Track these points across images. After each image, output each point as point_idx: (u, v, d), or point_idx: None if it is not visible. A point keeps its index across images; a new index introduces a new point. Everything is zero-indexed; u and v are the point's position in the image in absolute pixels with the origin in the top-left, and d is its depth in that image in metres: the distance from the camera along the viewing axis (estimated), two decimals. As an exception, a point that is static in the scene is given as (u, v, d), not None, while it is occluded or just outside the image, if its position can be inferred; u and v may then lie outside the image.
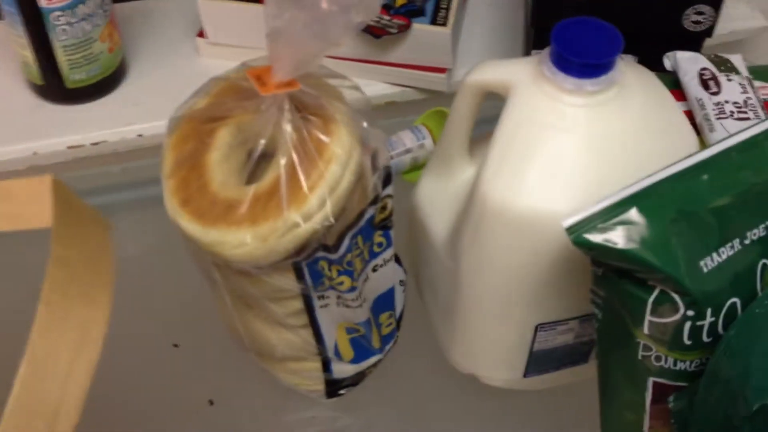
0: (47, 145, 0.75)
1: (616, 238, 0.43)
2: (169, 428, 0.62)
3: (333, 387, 0.61)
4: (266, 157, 0.49)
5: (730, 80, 0.61)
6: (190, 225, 0.47)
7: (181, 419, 0.62)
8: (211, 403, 0.63)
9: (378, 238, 0.54)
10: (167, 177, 0.49)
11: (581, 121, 0.49)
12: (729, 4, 0.87)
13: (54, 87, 0.75)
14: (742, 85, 0.61)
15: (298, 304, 0.53)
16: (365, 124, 0.49)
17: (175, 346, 0.66)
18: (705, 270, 0.44)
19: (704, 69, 0.62)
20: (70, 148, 0.75)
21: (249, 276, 0.50)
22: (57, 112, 0.76)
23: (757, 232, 0.46)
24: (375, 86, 0.80)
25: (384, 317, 0.60)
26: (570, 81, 0.48)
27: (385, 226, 0.54)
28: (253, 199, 0.47)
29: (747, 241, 0.45)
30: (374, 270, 0.56)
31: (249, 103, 0.48)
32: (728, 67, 0.62)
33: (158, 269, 0.70)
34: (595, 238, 0.43)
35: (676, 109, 0.54)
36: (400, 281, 0.63)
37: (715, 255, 0.44)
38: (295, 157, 0.47)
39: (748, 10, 0.88)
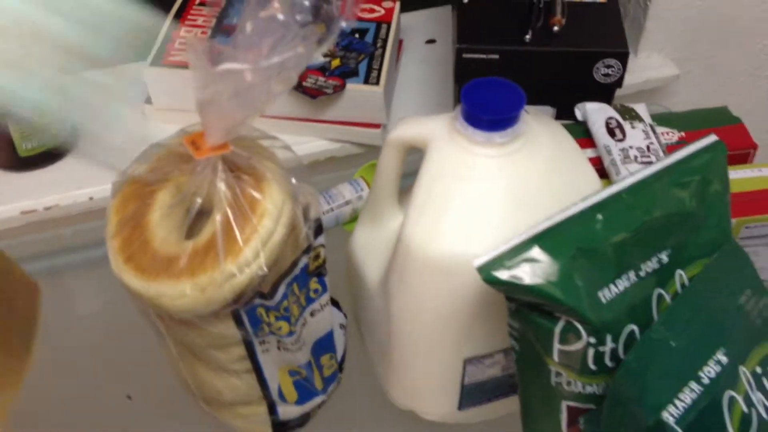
0: (1, 211, 0.78)
1: (522, 274, 0.48)
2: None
3: (280, 429, 0.64)
4: (204, 214, 0.53)
5: (634, 128, 0.67)
6: (133, 280, 0.51)
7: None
8: (164, 450, 0.65)
9: (314, 284, 0.58)
10: (112, 237, 0.52)
11: (492, 171, 0.54)
12: (642, 55, 0.94)
13: (6, 156, 0.79)
14: (645, 132, 0.67)
15: (240, 350, 0.57)
16: (295, 181, 0.53)
17: (129, 398, 0.69)
18: (604, 301, 0.48)
19: (611, 118, 0.68)
20: (23, 213, 0.78)
21: (192, 326, 0.54)
22: (10, 179, 0.80)
23: (651, 265, 0.50)
24: (316, 143, 0.85)
25: (325, 359, 0.64)
26: (480, 134, 0.53)
27: (319, 273, 0.58)
28: (192, 254, 0.51)
29: (642, 273, 0.50)
30: (312, 315, 0.60)
31: (186, 166, 0.52)
32: (633, 116, 0.68)
33: (111, 325, 0.73)
34: (503, 275, 0.48)
35: (581, 155, 0.59)
36: (341, 324, 0.67)
37: (612, 287, 0.49)
38: (229, 213, 0.51)
39: (661, 60, 0.95)
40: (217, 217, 0.51)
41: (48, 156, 0.81)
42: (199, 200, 0.51)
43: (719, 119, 0.71)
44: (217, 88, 0.45)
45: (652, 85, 0.94)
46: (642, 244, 0.50)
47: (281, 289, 0.54)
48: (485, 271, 0.48)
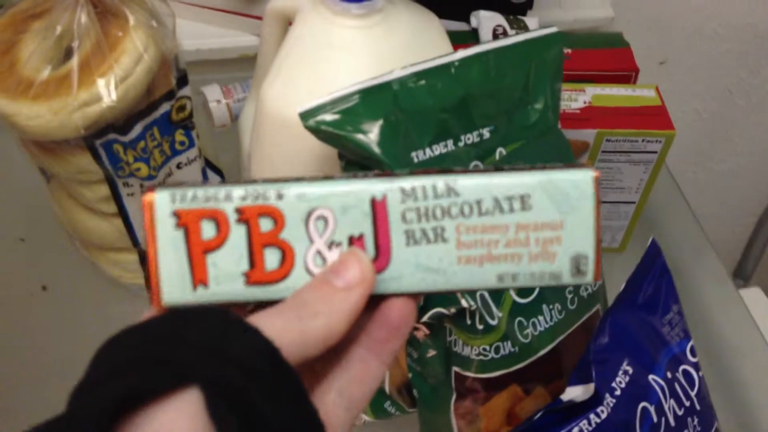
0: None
1: (340, 123, 0.51)
2: (7, 308, 0.69)
3: (150, 280, 0.69)
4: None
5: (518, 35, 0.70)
6: (-5, 99, 0.55)
7: (17, 301, 0.70)
8: (44, 288, 0.70)
9: (179, 136, 0.62)
10: (-17, 59, 0.57)
11: (347, 41, 0.57)
12: (582, -6, 0.96)
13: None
14: (529, 40, 0.69)
15: (105, 188, 0.61)
16: (156, 24, 0.57)
17: (22, 240, 0.73)
18: (416, 160, 0.52)
19: (498, 25, 0.71)
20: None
21: (53, 153, 0.58)
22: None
23: (472, 138, 0.53)
24: (246, 38, 0.89)
25: (195, 217, 0.68)
26: (338, 4, 0.57)
27: (185, 126, 0.62)
28: (50, 79, 0.55)
29: (461, 144, 0.53)
30: (178, 167, 0.63)
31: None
32: (521, 26, 0.71)
33: (7, 175, 0.77)
34: (322, 123, 0.51)
35: (446, 42, 0.62)
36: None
37: (427, 149, 0.52)
38: (89, 47, 0.55)
39: (599, 1, 0.96)
40: (76, 48, 0.55)
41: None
42: (59, 28, 0.55)
43: (609, 42, 0.73)
44: None
45: (585, 25, 0.95)
46: (465, 115, 0.53)
47: (137, 128, 0.58)
48: (306, 118, 0.51)
